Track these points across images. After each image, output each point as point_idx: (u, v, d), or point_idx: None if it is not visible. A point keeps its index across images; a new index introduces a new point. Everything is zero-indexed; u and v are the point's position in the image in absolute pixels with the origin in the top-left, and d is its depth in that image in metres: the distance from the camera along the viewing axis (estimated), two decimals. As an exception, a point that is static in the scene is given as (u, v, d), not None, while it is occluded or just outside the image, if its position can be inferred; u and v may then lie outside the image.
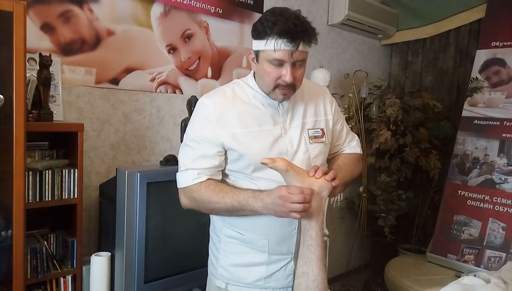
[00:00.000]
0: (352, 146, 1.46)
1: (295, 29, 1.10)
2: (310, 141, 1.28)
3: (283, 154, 1.23)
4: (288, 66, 1.14)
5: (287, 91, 1.18)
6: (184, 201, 1.27)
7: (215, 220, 1.36)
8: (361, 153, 1.47)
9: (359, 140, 1.49)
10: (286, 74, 1.14)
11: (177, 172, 1.28)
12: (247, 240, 1.28)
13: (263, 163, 1.11)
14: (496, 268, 2.50)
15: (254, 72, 1.27)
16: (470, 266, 2.64)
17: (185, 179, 1.24)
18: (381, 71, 3.86)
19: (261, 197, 1.15)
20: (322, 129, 1.32)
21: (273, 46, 1.11)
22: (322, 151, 1.31)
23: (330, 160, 1.42)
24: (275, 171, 1.16)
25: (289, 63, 1.14)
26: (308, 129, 1.29)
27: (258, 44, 1.16)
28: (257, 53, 1.18)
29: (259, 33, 1.15)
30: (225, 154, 1.25)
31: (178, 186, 1.27)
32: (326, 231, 1.42)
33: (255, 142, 1.21)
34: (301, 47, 1.12)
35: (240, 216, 1.24)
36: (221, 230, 1.32)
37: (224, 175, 1.29)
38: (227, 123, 1.21)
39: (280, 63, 1.14)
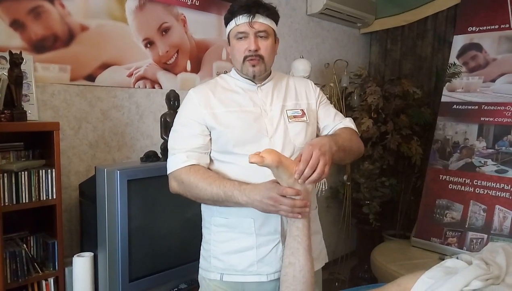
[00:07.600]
0: (345, 122, 1.46)
1: (251, 3, 1.28)
2: (289, 120, 1.34)
3: (262, 131, 1.29)
4: (252, 36, 1.27)
5: (255, 62, 1.29)
6: (173, 184, 1.30)
7: (204, 213, 1.40)
8: (356, 130, 1.46)
9: (352, 119, 1.49)
10: (250, 43, 1.27)
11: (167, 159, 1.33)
12: (234, 224, 1.30)
13: (251, 162, 1.08)
14: (478, 249, 2.55)
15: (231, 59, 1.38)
16: (453, 249, 2.69)
17: (174, 163, 1.28)
18: (361, 60, 3.88)
19: (247, 192, 1.16)
20: (302, 110, 1.38)
21: (235, 22, 1.29)
22: (302, 129, 1.34)
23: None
24: (255, 147, 1.20)
25: (252, 34, 1.27)
26: (287, 110, 1.35)
27: (227, 29, 1.33)
28: (228, 37, 1.34)
29: (226, 18, 1.33)
30: (210, 135, 1.30)
31: (167, 171, 1.31)
32: (316, 204, 1.45)
33: (235, 119, 1.29)
34: (258, 18, 1.27)
35: (224, 206, 1.26)
36: (210, 220, 1.36)
37: (210, 160, 1.32)
38: (209, 104, 1.31)
39: (244, 36, 1.28)
